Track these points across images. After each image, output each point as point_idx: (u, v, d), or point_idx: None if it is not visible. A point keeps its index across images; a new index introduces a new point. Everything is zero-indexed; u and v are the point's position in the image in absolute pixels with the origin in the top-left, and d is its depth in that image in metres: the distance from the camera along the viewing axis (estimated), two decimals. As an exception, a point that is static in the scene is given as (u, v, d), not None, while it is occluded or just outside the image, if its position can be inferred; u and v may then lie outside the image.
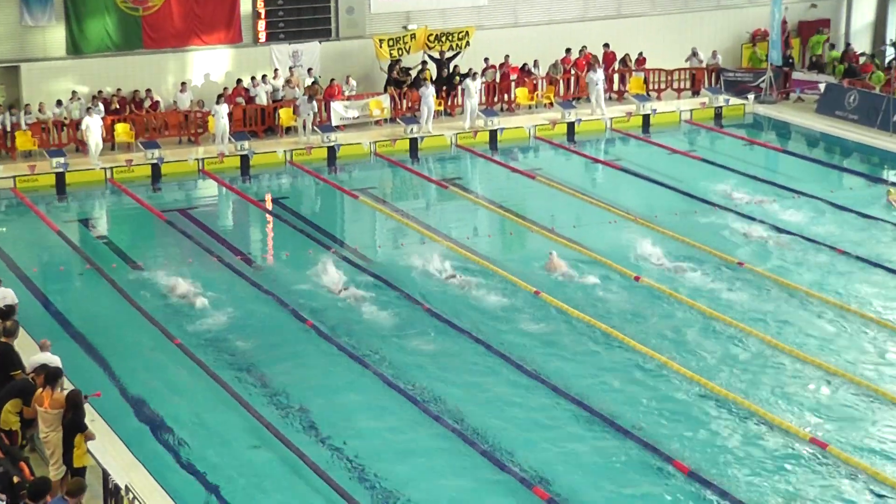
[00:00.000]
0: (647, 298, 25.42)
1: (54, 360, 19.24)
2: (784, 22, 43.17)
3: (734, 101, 41.99)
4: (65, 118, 36.38)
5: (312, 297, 25.56)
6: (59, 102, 36.62)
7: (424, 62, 40.63)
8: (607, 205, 31.72)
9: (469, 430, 19.83)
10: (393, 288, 26.04)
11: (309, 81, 39.34)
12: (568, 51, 42.35)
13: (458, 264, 27.30)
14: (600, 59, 42.19)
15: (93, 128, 35.15)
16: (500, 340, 23.33)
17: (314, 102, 37.59)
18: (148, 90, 37.87)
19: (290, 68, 39.83)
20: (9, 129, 35.88)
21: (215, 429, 20.17)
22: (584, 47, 42.42)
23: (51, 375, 17.08)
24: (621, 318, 24.46)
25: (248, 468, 18.93)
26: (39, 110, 36.28)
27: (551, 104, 41.56)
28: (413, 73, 40.36)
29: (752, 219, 30.23)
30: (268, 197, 34.47)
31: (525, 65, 41.59)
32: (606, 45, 42.60)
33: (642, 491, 18.30)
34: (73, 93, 36.96)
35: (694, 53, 43.39)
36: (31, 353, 19.67)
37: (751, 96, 42.19)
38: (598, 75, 40.55)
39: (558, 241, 28.97)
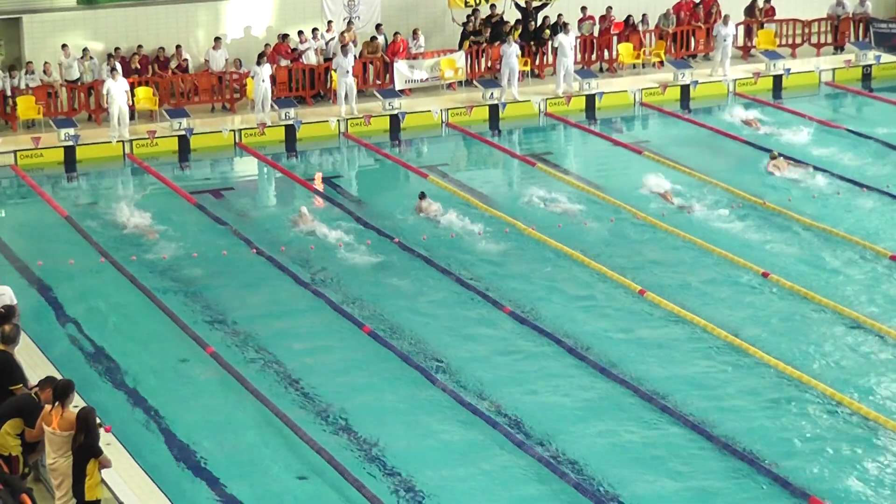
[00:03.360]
0: (781, 303, 25.27)
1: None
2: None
3: (887, 58, 41.58)
4: (76, 80, 36.73)
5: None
6: (66, 49, 36.77)
7: (498, 18, 40.65)
8: (728, 186, 31.50)
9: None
10: (471, 289, 26.11)
11: (381, 40, 39.26)
12: (684, -5, 42.26)
13: (546, 256, 27.43)
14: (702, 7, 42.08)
15: (115, 93, 35.39)
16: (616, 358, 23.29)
17: (351, 56, 37.53)
18: (178, 47, 38.13)
19: (347, 20, 39.94)
20: (8, 93, 36.25)
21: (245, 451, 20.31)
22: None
23: (60, 390, 16.96)
24: (758, 325, 24.39)
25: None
26: (44, 71, 36.66)
27: (661, 63, 41.40)
28: (494, 25, 40.38)
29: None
30: (318, 176, 34.62)
31: (630, 17, 41.43)
32: (704, -10, 42.53)
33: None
34: (85, 50, 37.28)
35: (838, 1, 42.97)
36: (35, 364, 19.87)
37: (908, 52, 41.92)
38: (730, 29, 40.49)
39: (670, 230, 28.84)
